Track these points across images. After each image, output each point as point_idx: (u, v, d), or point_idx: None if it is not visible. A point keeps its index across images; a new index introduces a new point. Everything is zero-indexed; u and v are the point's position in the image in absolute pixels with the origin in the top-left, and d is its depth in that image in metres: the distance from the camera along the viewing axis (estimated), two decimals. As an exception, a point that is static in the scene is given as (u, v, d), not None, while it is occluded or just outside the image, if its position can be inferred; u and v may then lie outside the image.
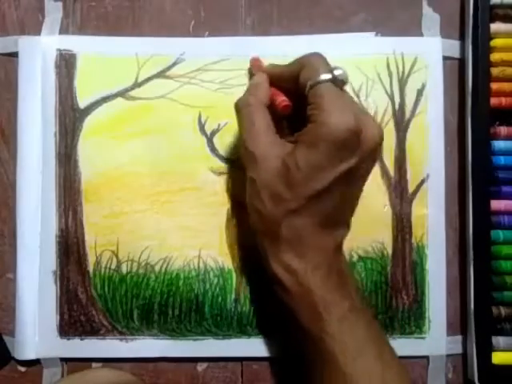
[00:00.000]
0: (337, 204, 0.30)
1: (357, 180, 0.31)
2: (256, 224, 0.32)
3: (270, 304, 0.35)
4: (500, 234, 0.36)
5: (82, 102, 0.37)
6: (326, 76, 0.29)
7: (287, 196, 0.29)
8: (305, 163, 0.29)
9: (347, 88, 0.31)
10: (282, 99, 0.32)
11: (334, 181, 0.29)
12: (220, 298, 0.37)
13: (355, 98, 0.37)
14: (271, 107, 0.32)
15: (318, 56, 0.31)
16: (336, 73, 0.30)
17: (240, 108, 0.32)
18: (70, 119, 0.37)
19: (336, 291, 0.30)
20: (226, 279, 0.37)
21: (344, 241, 0.32)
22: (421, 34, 0.38)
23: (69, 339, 0.36)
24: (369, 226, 0.37)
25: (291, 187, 0.29)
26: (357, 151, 0.29)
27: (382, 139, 0.30)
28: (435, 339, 0.37)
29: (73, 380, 0.33)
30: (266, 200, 0.30)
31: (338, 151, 0.28)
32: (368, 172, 0.31)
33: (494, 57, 0.36)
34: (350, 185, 0.30)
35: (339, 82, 0.30)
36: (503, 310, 0.35)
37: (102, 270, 0.36)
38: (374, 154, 0.30)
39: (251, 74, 0.37)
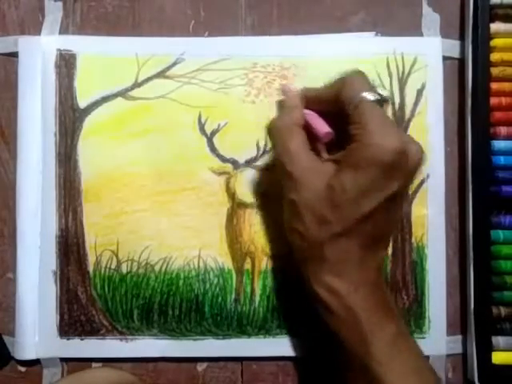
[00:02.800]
0: (381, 225, 0.29)
1: (400, 201, 0.30)
2: (297, 246, 0.31)
3: (270, 305, 0.35)
4: (500, 234, 0.36)
5: (82, 102, 0.37)
6: (369, 95, 0.29)
7: (332, 218, 0.29)
8: (351, 185, 0.28)
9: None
10: (321, 125, 0.31)
11: (380, 203, 0.28)
12: (220, 298, 0.37)
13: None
14: (308, 130, 0.32)
15: (360, 74, 0.31)
16: (381, 92, 0.29)
17: (273, 130, 0.32)
18: (69, 119, 0.37)
19: (381, 313, 0.29)
20: (225, 279, 0.37)
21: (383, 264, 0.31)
22: (421, 34, 0.38)
23: (69, 339, 0.36)
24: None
25: (336, 210, 0.29)
26: (402, 173, 0.28)
27: (424, 159, 0.29)
28: (435, 339, 0.37)
29: (72, 380, 0.33)
30: (308, 222, 0.29)
31: (385, 173, 0.28)
32: (408, 192, 0.31)
33: (494, 57, 0.36)
34: (394, 206, 0.29)
35: (383, 102, 0.29)
36: (503, 310, 0.35)
37: (102, 269, 0.37)
38: (415, 174, 0.29)
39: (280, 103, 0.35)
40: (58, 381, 0.35)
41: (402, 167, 0.28)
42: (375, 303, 0.29)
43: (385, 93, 0.29)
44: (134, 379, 0.33)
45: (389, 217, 0.30)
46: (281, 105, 0.34)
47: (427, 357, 0.37)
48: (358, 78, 0.30)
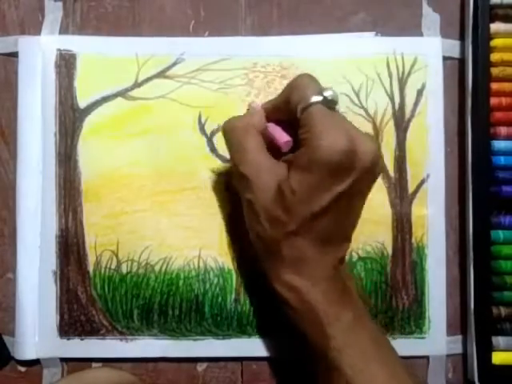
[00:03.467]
0: (336, 222, 0.30)
1: (355, 197, 0.30)
2: (256, 245, 0.32)
3: (270, 305, 0.35)
4: (500, 234, 0.36)
5: (82, 102, 0.37)
6: (316, 98, 0.29)
7: (285, 219, 0.29)
8: (299, 187, 0.29)
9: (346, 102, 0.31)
10: (281, 135, 0.32)
11: (330, 202, 0.29)
12: (220, 298, 0.37)
13: (355, 98, 0.37)
14: (271, 143, 0.32)
15: (306, 77, 0.31)
16: (326, 94, 0.29)
17: (227, 131, 0.32)
18: (69, 119, 0.37)
19: (338, 304, 0.30)
20: (225, 279, 0.37)
21: (346, 253, 0.32)
22: (421, 34, 0.38)
23: (69, 339, 0.36)
24: (369, 226, 0.37)
25: (288, 210, 0.29)
26: (352, 172, 0.28)
27: (377, 156, 0.30)
28: (435, 339, 0.37)
29: (72, 380, 0.33)
30: (264, 222, 0.30)
31: (332, 173, 0.28)
32: (368, 188, 0.31)
33: (494, 57, 0.36)
34: (348, 203, 0.30)
35: (330, 103, 0.29)
36: (503, 310, 0.35)
37: (102, 269, 0.37)
38: (372, 170, 0.30)
39: None
40: (58, 381, 0.35)
41: (352, 166, 0.28)
42: (333, 295, 0.30)
43: (330, 93, 0.29)
44: (134, 379, 0.33)
45: (344, 213, 0.30)
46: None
47: (427, 357, 0.37)
48: (304, 81, 0.30)
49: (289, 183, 0.29)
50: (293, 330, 0.31)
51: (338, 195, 0.29)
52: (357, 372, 0.28)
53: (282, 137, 0.32)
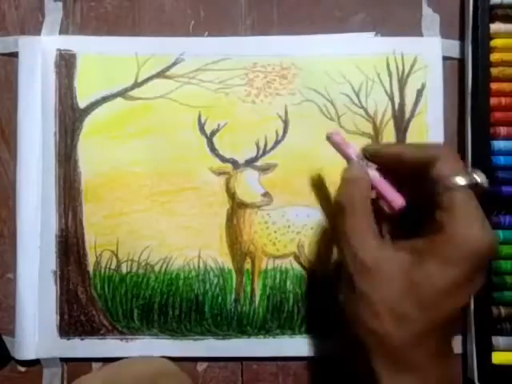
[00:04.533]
0: (457, 325, 0.28)
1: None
2: (366, 342, 0.27)
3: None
4: (500, 234, 0.36)
5: (82, 101, 0.37)
6: (465, 180, 0.26)
7: (416, 317, 0.26)
8: (441, 281, 0.25)
9: None
10: (395, 198, 0.28)
11: (469, 299, 0.26)
12: (220, 298, 0.37)
13: (355, 98, 0.37)
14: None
15: (454, 151, 0.28)
16: (477, 178, 0.26)
17: (343, 207, 0.28)
18: (69, 119, 0.37)
19: None
20: (225, 279, 0.37)
21: None
22: (421, 34, 0.38)
23: (69, 339, 0.36)
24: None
25: (421, 307, 0.26)
26: (486, 267, 0.27)
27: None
28: (435, 339, 0.37)
29: (112, 370, 0.33)
30: (386, 320, 0.26)
31: (477, 268, 0.26)
32: None
33: (494, 57, 0.36)
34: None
35: (479, 190, 0.26)
36: (503, 310, 0.35)
37: (102, 269, 0.37)
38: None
39: (340, 151, 0.31)
40: (97, 370, 0.36)
41: (487, 262, 0.27)
42: None
43: (481, 179, 0.26)
44: (174, 369, 0.34)
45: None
46: (346, 177, 0.29)
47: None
48: (453, 155, 0.27)
49: (427, 275, 0.26)
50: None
51: (476, 291, 0.26)
52: None
53: (397, 200, 0.28)
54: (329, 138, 0.31)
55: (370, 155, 0.30)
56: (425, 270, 0.26)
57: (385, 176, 0.29)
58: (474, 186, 0.26)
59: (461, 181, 0.26)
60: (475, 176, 0.26)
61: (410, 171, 0.28)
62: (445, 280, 0.25)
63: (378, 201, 0.29)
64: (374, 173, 0.29)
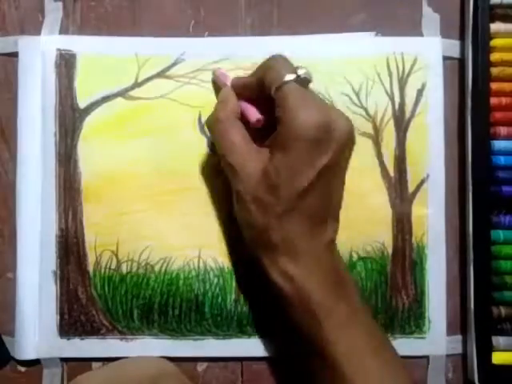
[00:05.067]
0: (321, 200, 0.30)
1: (337, 173, 0.31)
2: (248, 236, 0.32)
3: (269, 304, 0.35)
4: (500, 234, 0.36)
5: (82, 101, 0.37)
6: (289, 77, 0.30)
7: (272, 201, 0.30)
8: (282, 166, 0.29)
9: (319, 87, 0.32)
10: (252, 113, 0.33)
11: (314, 178, 0.29)
12: (220, 298, 0.37)
13: (355, 98, 0.37)
14: (243, 119, 0.33)
15: (279, 58, 0.31)
16: (299, 72, 0.30)
17: (211, 126, 0.33)
18: (69, 119, 0.37)
19: (334, 295, 0.30)
20: (225, 279, 0.37)
21: (336, 236, 0.32)
22: (421, 34, 0.38)
23: (69, 339, 0.36)
24: (369, 226, 0.37)
25: (274, 192, 0.30)
26: (330, 146, 0.29)
27: (352, 130, 0.31)
28: (435, 339, 0.37)
29: (111, 370, 0.33)
30: (253, 210, 0.30)
31: (311, 149, 0.29)
32: (346, 164, 0.31)
33: (494, 57, 0.36)
34: (330, 179, 0.30)
35: (304, 82, 0.30)
36: (503, 310, 0.35)
37: (102, 269, 0.37)
38: (348, 145, 0.31)
39: (216, 88, 0.37)
40: (99, 368, 0.36)
41: (329, 140, 0.29)
42: (329, 285, 0.30)
43: (303, 71, 0.30)
44: (175, 370, 0.34)
45: (328, 191, 0.30)
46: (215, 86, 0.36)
47: (427, 357, 0.37)
48: (278, 61, 0.31)
49: (272, 165, 0.30)
50: (287, 323, 0.31)
51: (320, 170, 0.29)
52: (351, 366, 0.28)
53: (253, 115, 0.33)
54: (214, 73, 0.37)
55: (235, 88, 0.34)
56: (272, 159, 0.30)
57: (249, 102, 0.33)
58: (299, 80, 0.30)
59: (286, 78, 0.30)
60: (298, 71, 0.30)
61: (261, 96, 0.32)
62: (285, 164, 0.29)
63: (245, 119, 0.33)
64: (241, 100, 0.34)
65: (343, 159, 0.31)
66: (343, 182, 0.32)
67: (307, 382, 0.32)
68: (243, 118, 0.33)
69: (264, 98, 0.31)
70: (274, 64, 0.31)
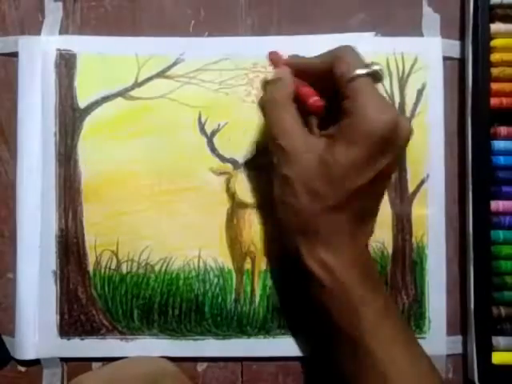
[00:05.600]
0: (372, 199, 0.30)
1: (388, 175, 0.31)
2: (289, 221, 0.31)
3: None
4: (500, 234, 0.36)
5: (82, 101, 0.37)
6: (364, 70, 0.29)
7: (325, 192, 0.29)
8: (345, 159, 0.28)
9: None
10: (314, 99, 0.31)
11: (373, 177, 0.29)
12: (220, 298, 0.37)
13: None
14: (298, 103, 0.31)
15: (352, 49, 0.31)
16: (375, 67, 0.29)
17: (265, 105, 0.32)
18: (69, 119, 0.37)
19: (372, 289, 0.30)
20: (226, 279, 0.37)
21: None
22: (421, 34, 0.38)
23: (69, 339, 0.36)
24: (369, 226, 0.37)
25: (330, 183, 0.29)
26: (394, 146, 0.29)
27: (411, 134, 0.30)
28: (435, 339, 0.37)
29: (112, 369, 0.33)
30: (302, 197, 0.29)
31: (378, 147, 0.28)
32: (396, 167, 0.32)
33: (494, 57, 0.36)
34: (384, 180, 0.30)
35: (376, 78, 0.30)
36: (503, 310, 0.35)
37: (102, 269, 0.37)
38: (405, 147, 0.30)
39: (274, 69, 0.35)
40: (99, 368, 0.36)
41: (394, 141, 0.29)
42: (365, 278, 0.30)
43: (379, 67, 0.30)
44: (175, 370, 0.34)
45: (377, 191, 0.30)
46: (270, 79, 0.33)
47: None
48: (351, 52, 0.30)
49: (333, 155, 0.29)
50: (321, 314, 0.31)
51: (381, 170, 0.29)
52: (386, 354, 0.29)
53: (314, 99, 0.31)
54: (269, 54, 0.34)
55: (292, 67, 0.33)
56: (333, 151, 0.29)
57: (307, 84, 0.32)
58: (372, 74, 0.29)
59: (359, 71, 0.29)
60: (373, 66, 0.29)
61: (323, 82, 0.31)
62: (348, 158, 0.28)
63: (302, 101, 0.32)
64: (296, 79, 0.32)
65: (399, 160, 0.31)
66: (388, 185, 0.32)
67: (340, 378, 0.32)
68: (300, 101, 0.32)
69: (322, 85, 0.31)
70: (347, 54, 0.30)
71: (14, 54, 0.37)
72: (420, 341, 0.36)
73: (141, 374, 0.32)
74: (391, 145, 0.29)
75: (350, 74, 0.29)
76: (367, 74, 0.29)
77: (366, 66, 0.29)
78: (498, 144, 0.36)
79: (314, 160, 0.29)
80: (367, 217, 0.31)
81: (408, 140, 0.30)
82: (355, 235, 0.30)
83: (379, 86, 0.30)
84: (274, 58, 0.34)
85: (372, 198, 0.30)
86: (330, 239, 0.30)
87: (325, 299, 0.30)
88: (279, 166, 0.31)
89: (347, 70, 0.29)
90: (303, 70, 0.32)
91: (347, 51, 0.30)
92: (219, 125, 0.37)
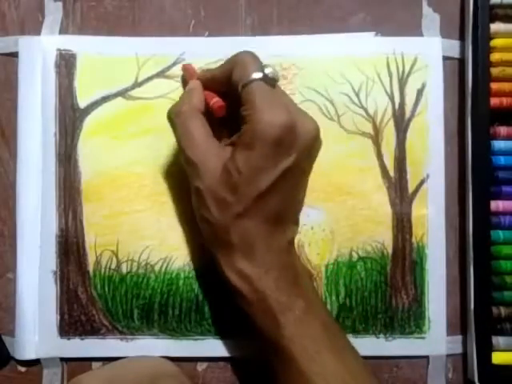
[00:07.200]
0: (282, 202, 0.30)
1: (299, 176, 0.31)
2: (206, 233, 0.32)
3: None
4: (500, 235, 0.36)
5: (82, 101, 0.37)
6: (256, 75, 0.29)
7: (232, 200, 0.29)
8: (244, 165, 0.29)
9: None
10: (215, 100, 0.32)
11: (275, 180, 0.29)
12: (220, 298, 0.36)
13: (355, 98, 0.37)
14: (207, 112, 0.32)
15: (248, 55, 0.31)
16: (266, 71, 0.29)
17: (173, 117, 0.32)
18: (69, 119, 0.37)
19: (290, 292, 0.30)
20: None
21: (295, 237, 0.32)
22: (421, 34, 0.38)
23: (69, 339, 0.36)
24: (369, 226, 0.37)
25: (234, 191, 0.29)
26: (294, 147, 0.29)
27: (317, 133, 0.30)
28: (435, 339, 0.37)
29: (111, 369, 0.33)
30: (212, 207, 0.30)
31: (275, 149, 0.28)
32: (310, 167, 0.31)
33: (494, 57, 0.36)
34: (292, 182, 0.30)
35: (271, 81, 0.30)
36: (503, 310, 0.35)
37: (102, 269, 0.37)
38: (312, 148, 0.30)
39: (184, 82, 0.36)
40: (99, 368, 0.36)
41: (293, 141, 0.29)
42: (284, 283, 0.30)
43: (270, 71, 0.29)
44: (176, 370, 0.34)
45: (289, 193, 0.30)
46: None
47: (427, 357, 0.37)
48: (246, 58, 0.31)
49: (234, 163, 0.29)
50: (246, 322, 0.31)
51: (283, 172, 0.29)
52: (309, 360, 0.28)
53: (216, 101, 0.32)
54: (182, 68, 0.36)
55: (202, 81, 0.34)
56: (234, 158, 0.29)
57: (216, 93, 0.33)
58: (266, 79, 0.29)
59: (253, 76, 0.29)
60: (265, 70, 0.29)
61: (227, 90, 0.31)
62: (247, 164, 0.29)
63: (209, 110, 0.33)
64: (207, 92, 0.33)
65: (307, 162, 0.31)
66: (305, 185, 0.32)
67: (270, 382, 0.31)
68: (207, 108, 0.33)
69: (231, 94, 0.31)
70: (242, 61, 0.30)
71: (14, 54, 0.37)
72: (420, 341, 0.36)
73: (141, 374, 0.32)
74: (290, 146, 0.29)
75: (245, 80, 0.29)
76: (260, 79, 0.29)
77: (260, 69, 0.30)
78: (498, 144, 0.36)
79: (218, 169, 0.30)
80: (282, 217, 0.30)
81: (313, 138, 0.30)
82: (272, 240, 0.30)
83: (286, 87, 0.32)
84: (187, 71, 0.36)
85: (282, 199, 0.30)
86: (244, 247, 0.30)
87: (247, 308, 0.30)
88: (191, 178, 0.31)
89: (242, 75, 0.30)
90: (212, 81, 0.33)
91: (243, 57, 0.31)
92: (219, 125, 0.37)
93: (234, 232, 0.30)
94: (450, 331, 0.37)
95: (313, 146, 0.30)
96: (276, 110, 0.29)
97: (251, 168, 0.29)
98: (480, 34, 0.36)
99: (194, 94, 0.33)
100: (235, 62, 0.31)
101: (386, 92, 0.37)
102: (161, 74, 0.37)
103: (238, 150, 0.29)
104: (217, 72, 0.33)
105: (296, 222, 0.32)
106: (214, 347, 0.36)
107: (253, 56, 0.31)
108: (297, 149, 0.29)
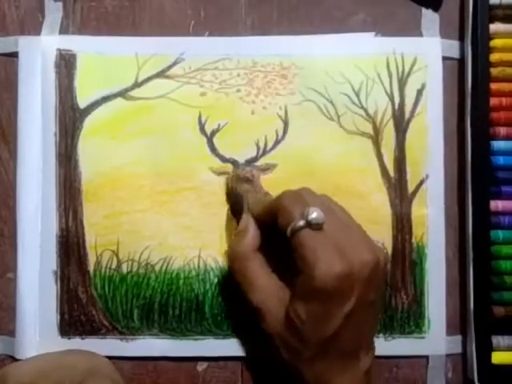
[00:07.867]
0: (352, 339, 0.29)
1: (365, 310, 0.29)
2: (282, 366, 0.31)
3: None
4: (500, 234, 0.36)
5: (82, 101, 0.37)
6: (301, 223, 0.28)
7: (299, 346, 0.29)
8: (305, 315, 0.28)
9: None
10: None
11: (340, 325, 0.28)
12: (220, 298, 0.37)
13: (355, 98, 0.37)
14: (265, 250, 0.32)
15: (289, 200, 0.30)
16: (309, 218, 0.28)
17: (229, 261, 0.33)
18: (69, 119, 0.37)
19: None
20: (226, 279, 0.37)
21: (372, 362, 0.31)
22: (420, 34, 0.38)
23: (69, 338, 0.36)
24: (369, 226, 0.36)
25: (300, 337, 0.29)
26: (354, 290, 0.28)
27: (376, 264, 0.29)
28: (435, 339, 0.37)
29: (44, 360, 0.33)
30: (281, 349, 0.30)
31: (334, 299, 0.28)
32: (376, 296, 0.30)
33: (494, 57, 0.36)
34: (359, 318, 0.29)
35: (315, 226, 0.28)
36: (503, 310, 0.35)
37: (103, 269, 0.37)
38: (374, 280, 0.29)
39: (227, 187, 0.36)
40: (30, 358, 0.35)
41: (352, 284, 0.28)
42: None
43: (313, 217, 0.28)
44: (111, 371, 0.34)
45: (357, 328, 0.29)
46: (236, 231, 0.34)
47: (426, 356, 0.37)
48: (289, 205, 0.29)
49: (295, 312, 0.29)
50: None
51: (346, 315, 0.28)
52: None
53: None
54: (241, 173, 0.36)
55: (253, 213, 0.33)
56: (294, 306, 0.29)
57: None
58: (310, 225, 0.28)
59: (298, 224, 0.28)
60: (308, 217, 0.28)
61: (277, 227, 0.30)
62: (308, 315, 0.28)
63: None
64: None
65: (372, 294, 0.29)
66: (376, 311, 0.31)
67: None
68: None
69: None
70: (284, 208, 0.29)
71: (14, 54, 0.37)
72: (419, 340, 0.37)
73: (74, 369, 0.32)
74: (349, 290, 0.28)
75: (290, 230, 0.28)
76: (305, 226, 0.28)
77: (304, 215, 0.28)
78: (498, 144, 0.36)
79: (282, 313, 0.29)
80: (355, 350, 0.30)
81: (374, 271, 0.28)
82: (345, 371, 0.29)
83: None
84: (246, 176, 0.36)
85: (352, 335, 0.29)
86: (319, 382, 0.29)
87: None
88: (257, 320, 0.31)
89: (287, 223, 0.29)
90: (262, 217, 0.32)
91: (286, 204, 0.30)
92: (219, 125, 0.37)
93: (306, 374, 0.29)
94: (450, 331, 0.37)
95: (373, 278, 0.28)
96: (327, 261, 0.27)
97: (313, 318, 0.28)
98: (479, 34, 0.36)
99: (247, 231, 0.32)
100: (278, 209, 0.30)
101: (386, 92, 0.37)
102: (161, 74, 0.37)
103: (297, 299, 0.29)
104: (261, 212, 0.32)
105: (370, 347, 0.31)
106: (214, 347, 0.36)
107: (295, 200, 0.30)
108: (357, 290, 0.28)
